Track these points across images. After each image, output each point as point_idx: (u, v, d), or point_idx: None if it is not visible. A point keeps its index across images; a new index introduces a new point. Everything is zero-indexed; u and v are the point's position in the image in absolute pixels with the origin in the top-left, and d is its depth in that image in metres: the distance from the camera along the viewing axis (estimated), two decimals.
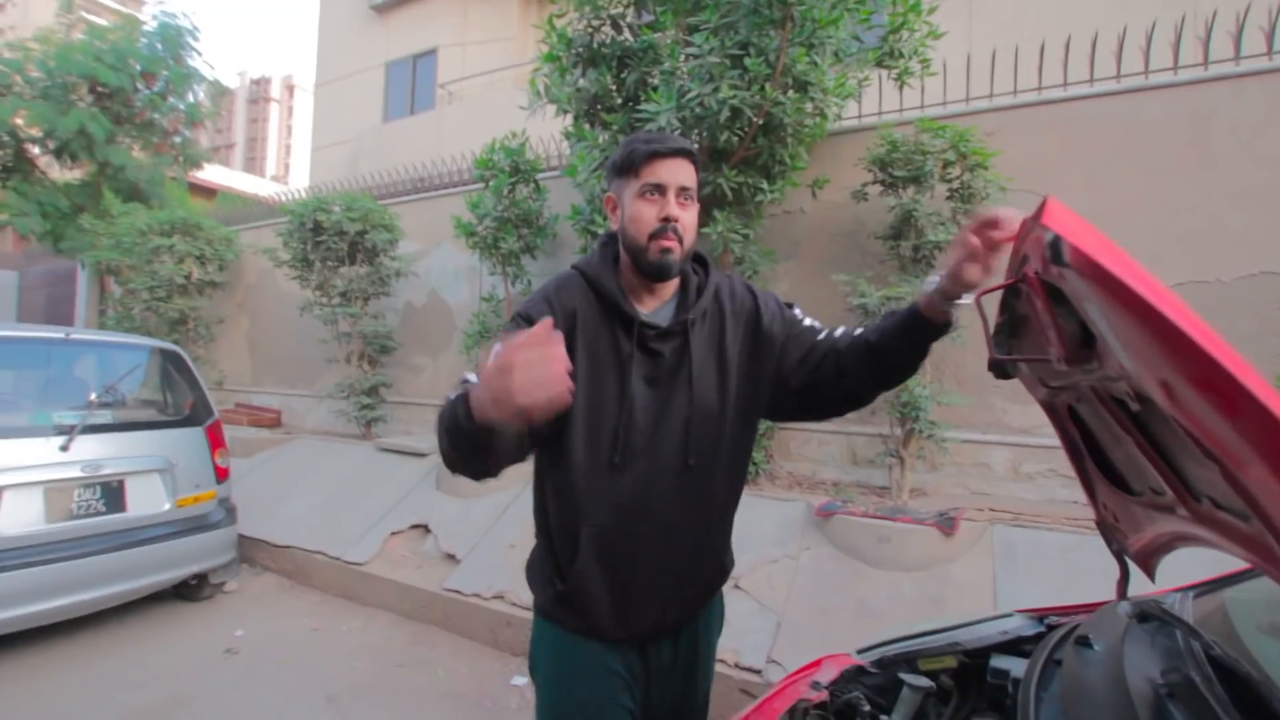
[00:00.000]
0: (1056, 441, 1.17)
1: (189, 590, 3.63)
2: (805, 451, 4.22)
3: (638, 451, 1.13)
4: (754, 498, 3.56)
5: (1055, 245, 0.59)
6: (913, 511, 3.10)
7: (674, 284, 1.20)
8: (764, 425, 3.86)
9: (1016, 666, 1.09)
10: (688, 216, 1.12)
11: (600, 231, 3.78)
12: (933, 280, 1.04)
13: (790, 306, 1.28)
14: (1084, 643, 1.04)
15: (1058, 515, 3.13)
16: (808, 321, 1.27)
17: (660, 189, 1.09)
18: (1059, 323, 0.71)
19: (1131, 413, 0.74)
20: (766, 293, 1.28)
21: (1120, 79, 3.58)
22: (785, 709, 1.12)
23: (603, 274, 1.15)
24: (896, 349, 1.12)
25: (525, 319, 1.07)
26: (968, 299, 1.01)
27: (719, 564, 1.27)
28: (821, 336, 1.22)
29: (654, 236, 1.09)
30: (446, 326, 5.85)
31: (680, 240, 1.10)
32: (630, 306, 1.14)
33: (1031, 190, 3.60)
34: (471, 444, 0.92)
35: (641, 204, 1.10)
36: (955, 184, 3.45)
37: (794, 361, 1.22)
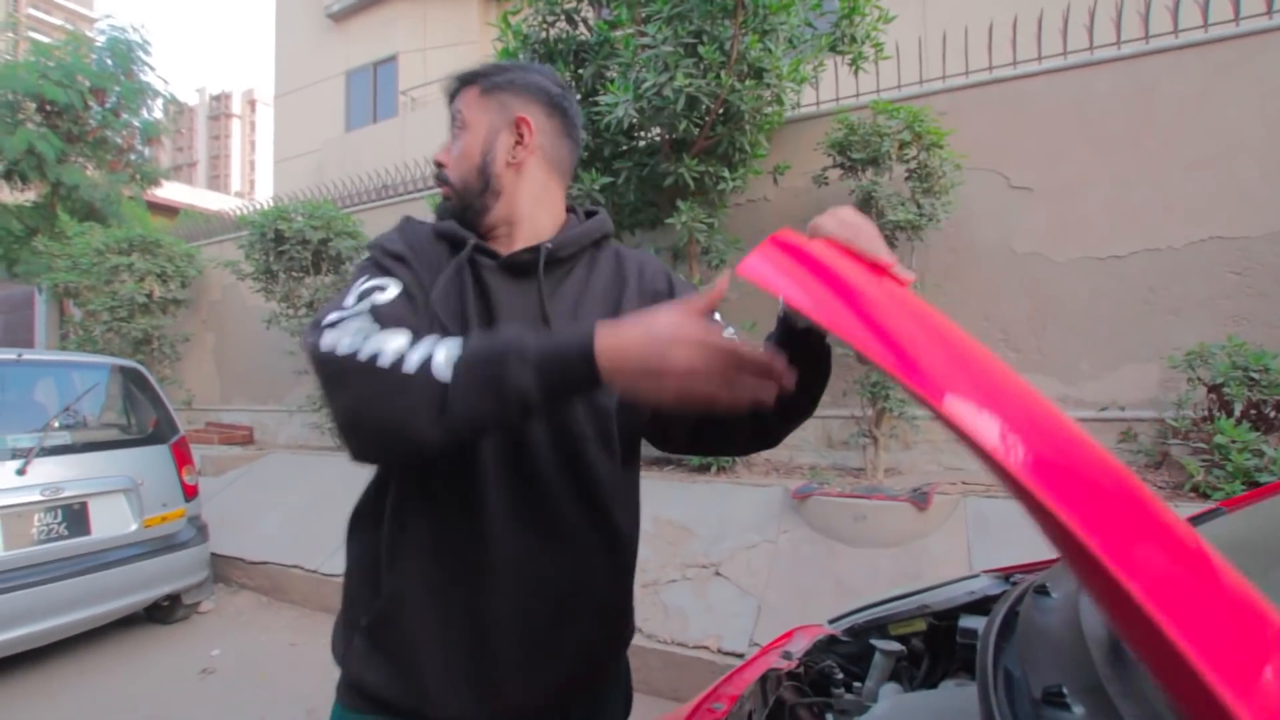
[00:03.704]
0: None
1: (161, 612, 3.54)
2: None
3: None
4: (732, 485, 3.57)
5: None
6: (887, 489, 3.14)
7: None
8: None
9: (984, 624, 1.10)
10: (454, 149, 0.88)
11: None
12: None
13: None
14: (1043, 591, 1.05)
15: None
16: None
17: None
18: None
19: None
20: (684, 282, 0.96)
21: (1067, 55, 3.66)
22: (755, 679, 1.12)
23: None
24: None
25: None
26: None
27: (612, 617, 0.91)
28: None
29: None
30: None
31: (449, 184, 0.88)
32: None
33: (986, 167, 3.67)
34: (521, 406, 0.63)
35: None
36: (912, 164, 3.50)
37: None
